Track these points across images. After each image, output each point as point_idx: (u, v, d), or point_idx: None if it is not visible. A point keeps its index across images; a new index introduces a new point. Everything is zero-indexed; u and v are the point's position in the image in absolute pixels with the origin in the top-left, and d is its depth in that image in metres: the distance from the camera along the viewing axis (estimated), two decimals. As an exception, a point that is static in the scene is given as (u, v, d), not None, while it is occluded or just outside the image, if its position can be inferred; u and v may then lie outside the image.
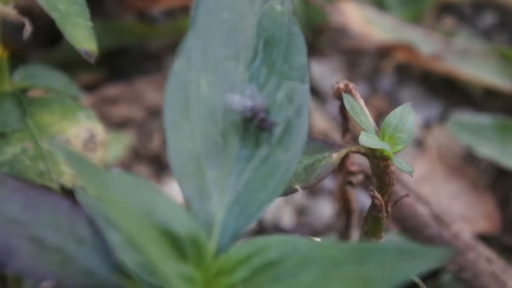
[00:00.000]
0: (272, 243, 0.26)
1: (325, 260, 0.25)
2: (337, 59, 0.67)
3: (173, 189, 0.59)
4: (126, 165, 0.61)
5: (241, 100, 0.28)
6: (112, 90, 0.64)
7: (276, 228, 0.58)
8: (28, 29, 0.42)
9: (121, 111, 0.64)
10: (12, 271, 0.23)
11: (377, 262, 0.24)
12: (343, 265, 0.25)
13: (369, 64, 0.68)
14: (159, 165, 0.61)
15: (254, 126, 0.28)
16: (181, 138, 0.27)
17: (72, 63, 0.63)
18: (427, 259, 0.24)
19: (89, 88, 0.64)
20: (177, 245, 0.25)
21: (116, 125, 0.63)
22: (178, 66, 0.28)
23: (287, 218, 0.59)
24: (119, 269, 0.26)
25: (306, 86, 0.28)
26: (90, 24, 0.28)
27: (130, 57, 0.68)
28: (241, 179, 0.27)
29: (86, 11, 0.28)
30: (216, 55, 0.28)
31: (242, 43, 0.29)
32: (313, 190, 0.59)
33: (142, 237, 0.24)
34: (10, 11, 0.41)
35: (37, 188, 0.26)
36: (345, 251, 0.25)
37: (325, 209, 0.59)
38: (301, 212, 0.59)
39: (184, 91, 0.28)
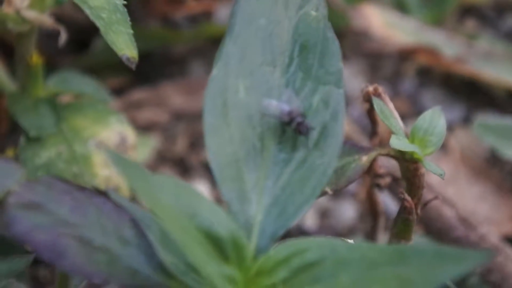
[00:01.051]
0: (311, 245, 0.27)
1: (364, 261, 0.26)
2: (359, 62, 0.68)
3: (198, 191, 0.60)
4: (152, 167, 0.62)
5: (278, 104, 0.28)
6: (138, 94, 0.65)
7: (300, 231, 0.58)
8: (63, 36, 0.43)
9: (146, 114, 0.65)
10: (63, 270, 0.24)
11: (416, 264, 0.25)
12: (381, 267, 0.25)
13: (391, 67, 0.68)
14: (183, 167, 0.62)
15: (291, 130, 0.28)
16: (221, 142, 0.28)
17: (99, 68, 0.64)
18: (467, 262, 0.25)
19: (115, 92, 0.65)
20: (219, 246, 0.26)
21: (141, 128, 0.64)
22: (217, 72, 0.28)
23: (310, 221, 0.59)
24: (162, 268, 0.26)
25: (342, 91, 0.29)
26: (131, 31, 0.29)
27: (154, 62, 0.69)
28: (279, 182, 0.28)
29: (127, 19, 0.29)
30: (253, 61, 0.29)
31: (278, 48, 0.30)
32: (336, 193, 0.60)
33: (186, 238, 0.24)
34: (46, 19, 0.42)
35: (83, 190, 0.27)
36: (384, 252, 0.26)
37: (348, 212, 0.59)
38: (324, 214, 0.60)
39: (223, 96, 0.28)
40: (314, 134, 0.28)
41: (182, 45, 0.69)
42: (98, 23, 0.28)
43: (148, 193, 0.23)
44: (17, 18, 0.41)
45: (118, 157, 0.23)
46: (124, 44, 0.28)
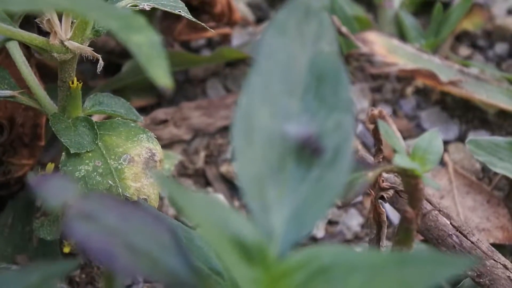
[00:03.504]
0: (325, 252, 0.29)
1: (371, 266, 0.28)
2: (362, 84, 0.70)
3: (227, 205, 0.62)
4: (175, 179, 0.64)
5: (296, 128, 0.30)
6: (161, 113, 0.67)
7: (310, 237, 0.60)
8: (101, 64, 0.45)
9: (169, 131, 0.67)
10: (114, 271, 0.26)
11: (416, 268, 0.27)
12: (386, 271, 0.27)
13: (391, 89, 0.70)
14: (204, 180, 0.64)
15: (307, 151, 0.31)
16: (247, 161, 0.30)
17: (127, 89, 0.67)
18: (457, 265, 0.27)
19: (141, 111, 0.67)
20: (246, 251, 0.28)
21: (165, 144, 0.66)
22: (243, 100, 0.31)
23: (319, 228, 0.61)
24: (197, 270, 0.28)
25: (352, 117, 0.31)
26: (166, 63, 0.31)
27: (177, 84, 0.70)
28: (297, 196, 0.30)
29: (164, 53, 0.31)
30: (274, 90, 0.31)
31: (296, 79, 0.32)
32: (343, 204, 0.61)
33: (219, 245, 0.26)
34: (86, 49, 0.44)
35: (127, 203, 0.29)
36: (388, 259, 0.28)
37: (353, 220, 0.61)
38: (331, 222, 0.62)
39: (248, 121, 0.30)
40: (327, 155, 0.30)
41: (202, 68, 0.71)
42: (140, 58, 0.30)
43: (188, 208, 0.25)
44: (61, 48, 0.44)
45: (163, 177, 0.25)
46: (161, 75, 0.30)
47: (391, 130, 0.38)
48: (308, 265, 0.28)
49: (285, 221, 0.29)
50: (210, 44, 0.75)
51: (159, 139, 0.65)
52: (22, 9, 0.30)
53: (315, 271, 0.28)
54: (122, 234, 0.27)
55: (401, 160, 0.36)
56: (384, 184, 0.43)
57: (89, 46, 0.46)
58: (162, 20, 0.71)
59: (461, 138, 0.65)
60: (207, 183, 0.64)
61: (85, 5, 0.32)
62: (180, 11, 0.49)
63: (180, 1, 0.50)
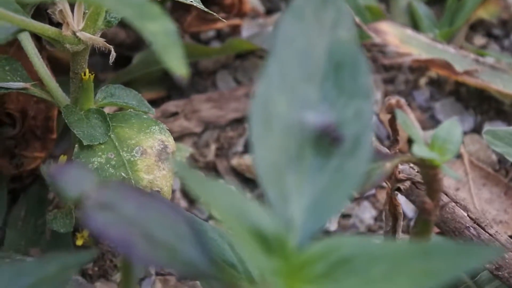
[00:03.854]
0: (345, 242, 0.28)
1: (393, 256, 0.27)
2: (375, 75, 0.69)
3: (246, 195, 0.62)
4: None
5: (315, 116, 0.30)
6: (171, 105, 0.67)
7: (323, 231, 0.59)
8: (113, 55, 0.45)
9: (179, 124, 0.66)
10: (133, 260, 0.26)
11: (438, 258, 0.26)
12: (408, 261, 0.27)
13: (405, 80, 0.69)
14: (215, 173, 0.64)
15: (326, 140, 0.30)
16: (265, 150, 0.29)
17: (137, 82, 0.66)
18: (480, 257, 0.26)
19: (151, 103, 0.67)
20: (265, 242, 0.28)
21: (176, 138, 0.65)
22: (261, 87, 0.30)
23: (332, 221, 0.60)
24: (214, 260, 0.28)
25: (371, 105, 0.31)
26: (182, 53, 0.31)
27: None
28: (316, 186, 0.30)
29: (179, 42, 0.31)
30: (292, 78, 0.31)
31: (314, 66, 0.31)
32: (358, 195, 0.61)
33: (238, 235, 0.26)
34: (98, 40, 0.44)
35: (145, 193, 0.28)
36: (410, 249, 0.27)
37: (366, 213, 0.61)
38: (344, 215, 0.61)
39: (266, 109, 0.30)
40: (347, 144, 0.30)
41: (212, 60, 0.71)
42: (156, 47, 0.30)
43: (207, 197, 0.25)
44: (74, 39, 0.43)
45: (183, 166, 0.25)
46: (177, 65, 0.30)
47: (409, 120, 0.38)
48: (329, 255, 0.28)
49: (304, 211, 0.29)
50: (220, 36, 0.75)
51: (169, 131, 0.65)
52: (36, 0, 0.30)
53: (336, 262, 0.28)
54: (140, 224, 0.27)
55: (419, 150, 0.35)
56: (401, 176, 0.43)
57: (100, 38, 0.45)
58: (172, 12, 0.70)
59: (476, 129, 0.64)
60: (218, 176, 0.64)
61: (99, -7, 0.32)
62: (192, 1, 0.49)
63: (191, -9, 0.50)
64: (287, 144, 0.30)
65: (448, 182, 0.56)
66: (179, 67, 0.30)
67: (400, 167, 0.44)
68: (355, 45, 0.32)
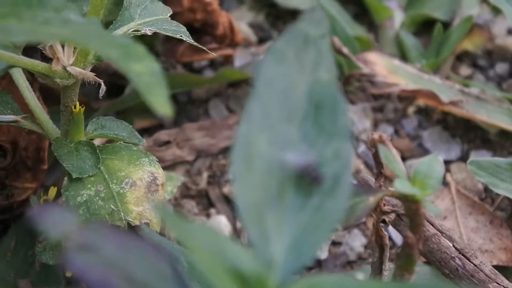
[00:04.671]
0: (325, 281, 0.28)
1: (372, 295, 0.27)
2: (364, 104, 0.70)
3: (220, 223, 0.62)
4: (178, 201, 0.64)
5: (295, 156, 0.30)
6: (163, 134, 0.67)
7: (306, 266, 0.59)
8: (103, 88, 0.45)
9: (171, 153, 0.67)
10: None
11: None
12: (386, 300, 0.27)
13: (393, 109, 0.70)
14: (207, 201, 0.64)
15: (306, 179, 0.30)
16: (246, 189, 0.30)
17: (130, 111, 0.67)
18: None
19: (143, 132, 0.67)
20: (244, 282, 0.28)
21: (168, 166, 0.65)
22: (242, 127, 0.31)
23: (322, 250, 0.60)
24: (196, 302, 0.28)
25: (350, 144, 0.31)
26: (166, 92, 0.31)
27: (179, 105, 0.71)
28: (297, 225, 0.30)
29: (163, 82, 0.31)
30: (273, 118, 0.31)
31: (295, 107, 0.32)
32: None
33: (216, 275, 0.26)
34: (88, 74, 0.44)
35: (126, 233, 0.29)
36: (388, 288, 0.27)
37: (356, 241, 0.60)
38: (335, 243, 0.61)
39: (247, 149, 0.30)
40: (326, 183, 0.30)
41: (204, 89, 0.72)
42: (140, 87, 0.30)
43: (186, 238, 0.25)
44: (64, 74, 0.44)
45: (163, 208, 0.25)
46: (161, 103, 0.30)
47: (391, 155, 0.38)
48: (308, 294, 0.28)
49: (285, 250, 0.29)
50: (213, 64, 0.76)
51: (162, 160, 0.66)
52: (23, 40, 0.30)
53: (315, 301, 0.28)
54: (121, 266, 0.27)
55: (401, 186, 0.35)
56: (386, 208, 0.43)
57: (92, 68, 0.46)
58: (164, 42, 0.71)
59: (463, 158, 0.65)
60: (210, 204, 0.64)
61: (85, 35, 0.32)
62: (181, 36, 0.49)
63: (181, 25, 0.50)
64: (268, 183, 0.30)
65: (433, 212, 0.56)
66: (163, 106, 0.31)
67: (386, 198, 0.44)
68: (335, 86, 0.32)
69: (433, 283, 0.27)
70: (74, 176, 0.45)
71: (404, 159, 0.64)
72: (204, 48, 0.51)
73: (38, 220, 0.28)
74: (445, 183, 0.62)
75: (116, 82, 0.69)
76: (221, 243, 0.28)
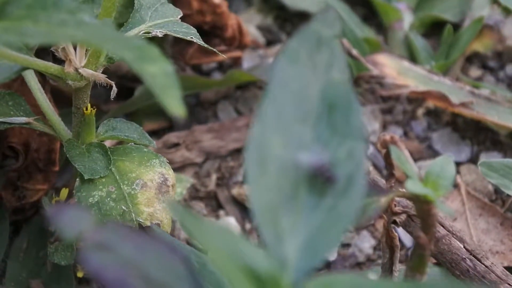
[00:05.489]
0: (339, 280, 0.28)
1: (385, 295, 0.27)
2: (373, 105, 0.70)
3: (229, 225, 0.62)
4: (187, 202, 0.64)
5: (309, 157, 0.31)
6: (173, 136, 0.67)
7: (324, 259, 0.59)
8: (114, 90, 0.46)
9: (181, 154, 0.67)
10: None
11: (431, 297, 0.27)
12: (400, 300, 0.27)
13: (403, 111, 0.70)
14: (215, 202, 0.64)
15: (320, 180, 0.31)
16: (260, 190, 0.30)
17: (140, 113, 0.67)
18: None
19: (153, 134, 0.68)
20: (259, 281, 0.28)
21: (177, 168, 0.66)
22: (256, 129, 0.31)
23: (331, 251, 0.60)
24: (211, 301, 0.28)
25: (364, 144, 0.31)
26: (180, 93, 0.31)
27: (188, 107, 0.71)
28: (311, 225, 0.30)
29: (177, 83, 0.32)
30: (287, 119, 0.31)
31: (308, 108, 0.32)
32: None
33: (232, 274, 0.26)
34: (100, 76, 0.45)
35: (142, 234, 0.29)
36: None
37: (365, 242, 0.61)
38: (344, 245, 0.61)
39: (261, 150, 0.31)
40: (340, 184, 0.30)
41: (213, 91, 0.72)
42: (154, 88, 0.31)
43: (202, 238, 0.25)
44: (76, 76, 0.44)
45: (178, 207, 0.25)
46: (175, 104, 0.31)
47: (403, 156, 0.38)
48: (322, 294, 0.28)
49: (299, 249, 0.29)
50: (221, 66, 0.76)
51: (171, 162, 0.66)
52: (40, 41, 0.31)
53: (329, 301, 0.28)
54: (137, 265, 0.27)
55: (413, 186, 0.36)
56: (397, 209, 0.43)
57: (102, 71, 0.46)
58: (173, 44, 0.71)
59: (473, 160, 0.65)
60: (219, 206, 0.64)
61: (100, 37, 0.32)
62: (192, 37, 0.49)
63: (192, 27, 0.51)
64: (282, 184, 0.30)
65: (444, 213, 0.56)
66: (176, 107, 0.31)
67: (397, 199, 0.45)
68: (348, 86, 0.32)
69: (445, 283, 0.27)
70: (86, 177, 0.45)
71: (413, 160, 0.64)
72: (214, 50, 0.52)
73: (54, 219, 0.28)
74: (455, 185, 0.62)
75: (126, 85, 0.69)
76: (235, 242, 0.28)
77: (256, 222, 0.29)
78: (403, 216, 0.43)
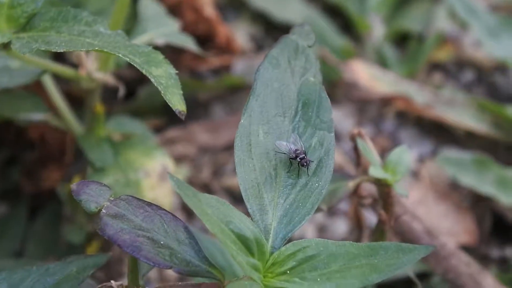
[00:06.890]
0: (310, 243, 0.33)
1: (347, 254, 0.32)
2: (349, 106, 0.74)
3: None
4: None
5: (287, 144, 0.36)
6: (171, 132, 0.71)
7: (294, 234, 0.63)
8: (122, 91, 0.50)
9: (178, 149, 0.71)
10: (140, 260, 0.31)
11: (382, 255, 0.32)
12: (359, 258, 0.32)
13: (375, 111, 0.74)
14: (208, 192, 0.68)
15: (296, 163, 0.36)
16: (246, 171, 0.35)
17: (142, 112, 0.71)
18: (417, 253, 0.32)
19: (154, 130, 0.72)
20: (247, 244, 0.33)
21: (175, 160, 0.70)
22: (243, 121, 0.36)
23: (310, 234, 0.65)
24: (207, 260, 0.33)
25: (332, 135, 0.36)
26: (181, 92, 0.36)
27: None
28: (288, 200, 0.35)
29: (179, 83, 0.36)
30: (269, 113, 0.36)
31: (287, 104, 0.37)
32: (330, 211, 0.66)
33: (224, 238, 0.31)
34: (110, 79, 0.49)
35: (151, 205, 0.34)
36: (360, 248, 0.33)
37: (340, 227, 0.65)
38: (321, 229, 0.66)
39: (248, 138, 0.36)
40: (312, 166, 0.35)
41: (206, 93, 0.76)
42: (159, 87, 0.35)
43: (199, 207, 0.30)
44: (88, 78, 0.49)
45: (180, 182, 0.30)
46: (177, 102, 0.35)
47: (367, 147, 0.43)
48: (297, 255, 0.33)
49: (278, 220, 0.34)
50: (215, 71, 0.80)
51: (169, 155, 0.70)
52: (63, 49, 0.35)
53: (302, 259, 0.33)
54: (146, 231, 0.32)
55: (375, 171, 0.41)
56: (364, 193, 0.48)
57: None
58: (170, 51, 0.75)
59: (435, 154, 0.69)
60: (212, 195, 0.68)
61: (113, 45, 0.37)
62: (189, 46, 0.54)
63: (188, 37, 0.55)
64: (264, 165, 0.35)
65: (409, 199, 0.61)
66: (179, 103, 0.36)
67: (364, 185, 0.49)
68: (321, 87, 0.37)
69: (397, 244, 0.32)
70: (96, 166, 0.50)
71: (383, 155, 0.69)
72: (207, 57, 0.56)
73: (78, 194, 0.33)
74: (419, 177, 0.67)
75: (130, 89, 0.73)
76: (228, 213, 0.33)
77: (243, 197, 0.34)
78: (369, 199, 0.48)
